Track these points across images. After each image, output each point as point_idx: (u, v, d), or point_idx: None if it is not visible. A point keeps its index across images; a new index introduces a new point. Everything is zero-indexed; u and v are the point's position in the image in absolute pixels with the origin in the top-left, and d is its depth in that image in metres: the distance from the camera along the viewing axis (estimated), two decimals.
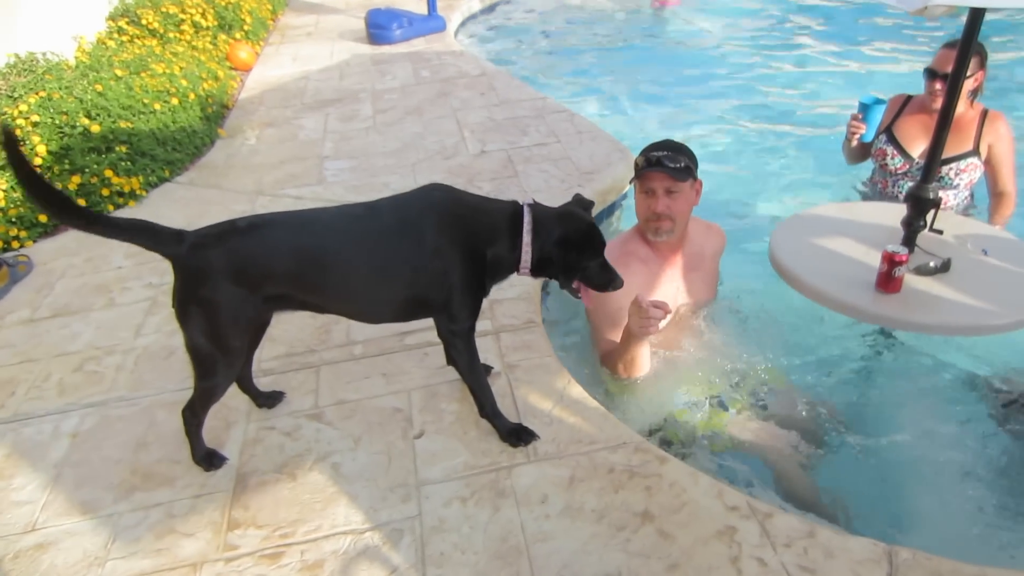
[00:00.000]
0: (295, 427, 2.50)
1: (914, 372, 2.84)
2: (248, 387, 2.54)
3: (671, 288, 2.76)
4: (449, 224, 2.13)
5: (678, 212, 2.58)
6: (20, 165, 1.77)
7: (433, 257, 2.11)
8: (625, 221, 4.11)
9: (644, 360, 2.58)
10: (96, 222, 1.93)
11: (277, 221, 2.12)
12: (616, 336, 2.63)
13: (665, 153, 2.51)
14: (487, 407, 2.37)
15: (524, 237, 2.15)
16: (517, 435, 2.35)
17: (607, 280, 2.24)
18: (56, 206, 1.86)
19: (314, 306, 2.21)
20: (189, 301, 2.02)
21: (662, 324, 2.34)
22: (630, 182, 2.63)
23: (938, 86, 3.26)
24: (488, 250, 2.16)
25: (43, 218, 3.85)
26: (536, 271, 2.23)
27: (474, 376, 2.35)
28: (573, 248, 2.18)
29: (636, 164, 2.60)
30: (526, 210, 2.18)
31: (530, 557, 1.99)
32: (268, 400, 2.59)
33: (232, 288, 2.01)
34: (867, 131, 3.35)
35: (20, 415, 2.66)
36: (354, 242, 2.10)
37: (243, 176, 4.47)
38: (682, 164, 2.51)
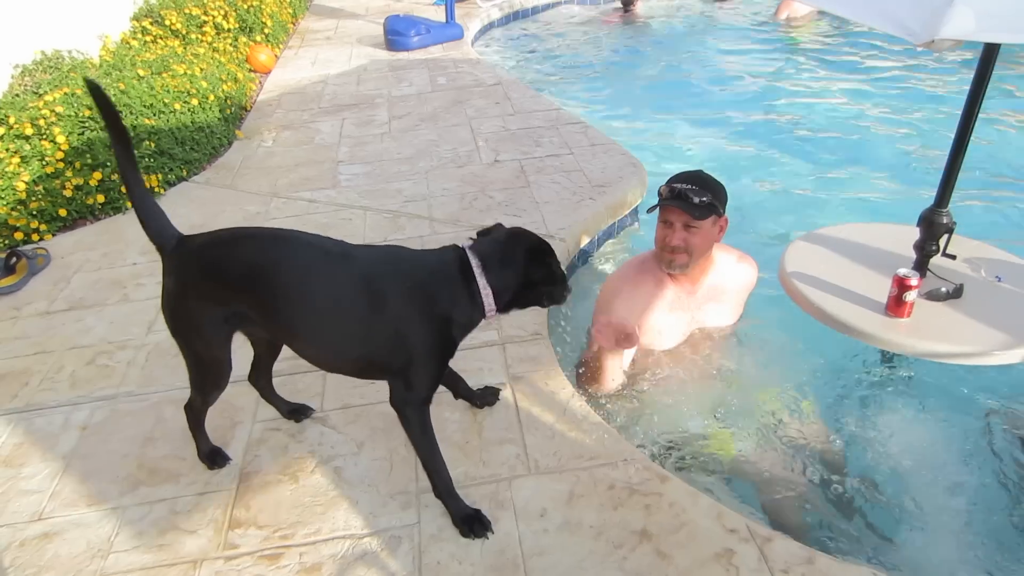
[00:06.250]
0: (299, 429, 2.52)
1: (921, 400, 2.81)
2: (270, 397, 2.53)
3: (683, 317, 2.73)
4: (411, 292, 1.99)
5: (695, 247, 2.53)
6: (106, 107, 1.89)
7: (393, 322, 1.98)
8: (634, 241, 4.11)
9: (611, 374, 2.57)
10: (137, 185, 1.98)
11: (253, 235, 2.12)
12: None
13: (690, 186, 2.45)
14: (440, 487, 2.15)
15: (478, 280, 2.00)
16: (470, 524, 2.12)
17: (561, 295, 2.15)
18: (125, 146, 1.94)
19: (272, 333, 2.13)
20: (165, 300, 2.06)
21: (625, 360, 2.31)
22: (648, 211, 2.60)
23: None
24: (453, 311, 2.02)
25: (63, 212, 3.90)
26: (503, 308, 2.08)
27: (426, 451, 2.12)
28: (531, 269, 2.07)
29: (659, 193, 2.54)
30: (469, 253, 2.03)
31: (527, 570, 1.99)
32: (295, 413, 2.56)
33: (196, 296, 2.01)
34: None
35: (33, 405, 2.71)
36: (312, 277, 1.98)
37: (258, 178, 4.52)
38: (705, 200, 2.44)
